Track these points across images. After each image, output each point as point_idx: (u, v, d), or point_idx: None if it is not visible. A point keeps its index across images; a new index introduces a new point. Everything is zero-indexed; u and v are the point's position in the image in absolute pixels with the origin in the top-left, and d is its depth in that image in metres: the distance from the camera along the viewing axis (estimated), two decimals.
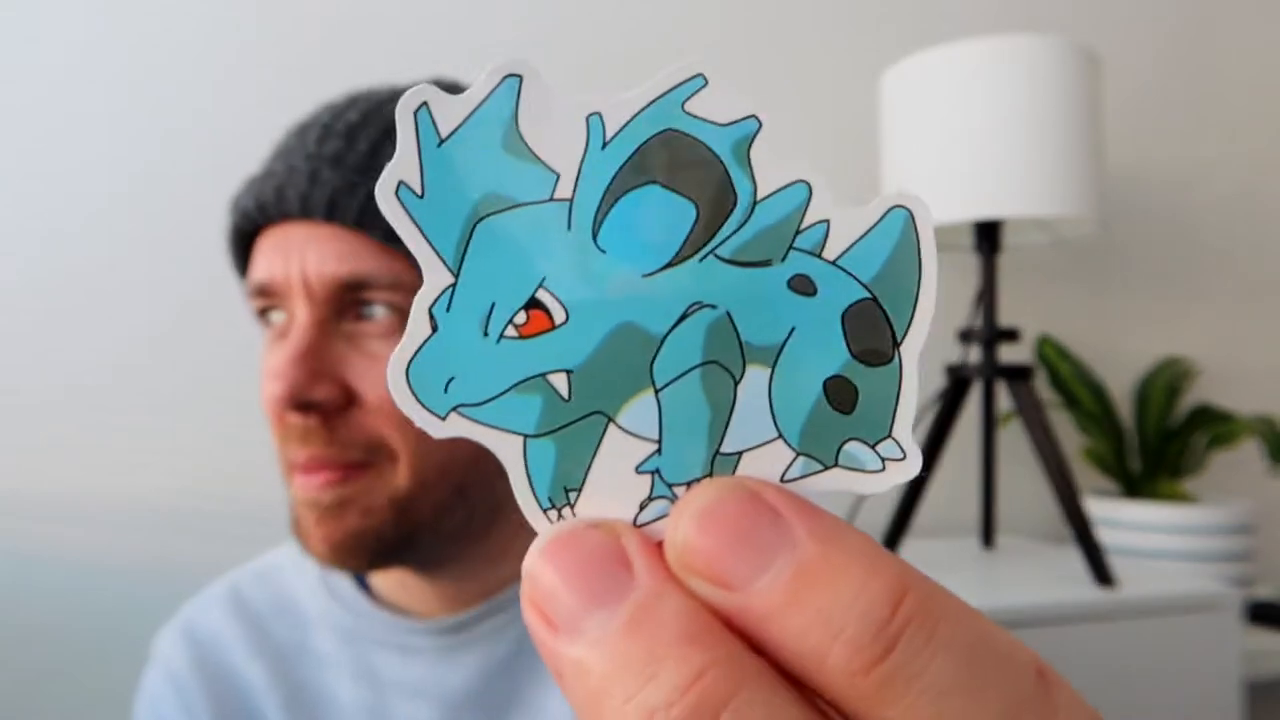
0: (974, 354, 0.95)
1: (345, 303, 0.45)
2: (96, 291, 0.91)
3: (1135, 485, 1.12)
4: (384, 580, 0.53)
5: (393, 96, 0.50)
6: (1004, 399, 1.07)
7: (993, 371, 0.91)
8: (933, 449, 0.91)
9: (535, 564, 0.14)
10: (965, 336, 0.94)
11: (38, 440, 0.89)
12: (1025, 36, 0.87)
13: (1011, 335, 0.93)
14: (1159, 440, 1.13)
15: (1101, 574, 0.81)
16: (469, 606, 0.52)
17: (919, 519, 0.93)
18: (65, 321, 0.90)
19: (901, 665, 0.12)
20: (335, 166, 0.46)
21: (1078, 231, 0.98)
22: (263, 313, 0.49)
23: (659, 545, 0.14)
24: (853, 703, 0.12)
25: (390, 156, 0.14)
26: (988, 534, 0.99)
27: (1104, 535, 0.96)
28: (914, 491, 0.89)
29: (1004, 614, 0.74)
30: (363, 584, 0.54)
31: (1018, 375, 0.89)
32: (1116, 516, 1.01)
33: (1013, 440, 1.09)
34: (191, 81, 0.93)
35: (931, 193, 0.90)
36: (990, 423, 0.99)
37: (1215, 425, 1.10)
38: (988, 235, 0.93)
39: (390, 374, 0.14)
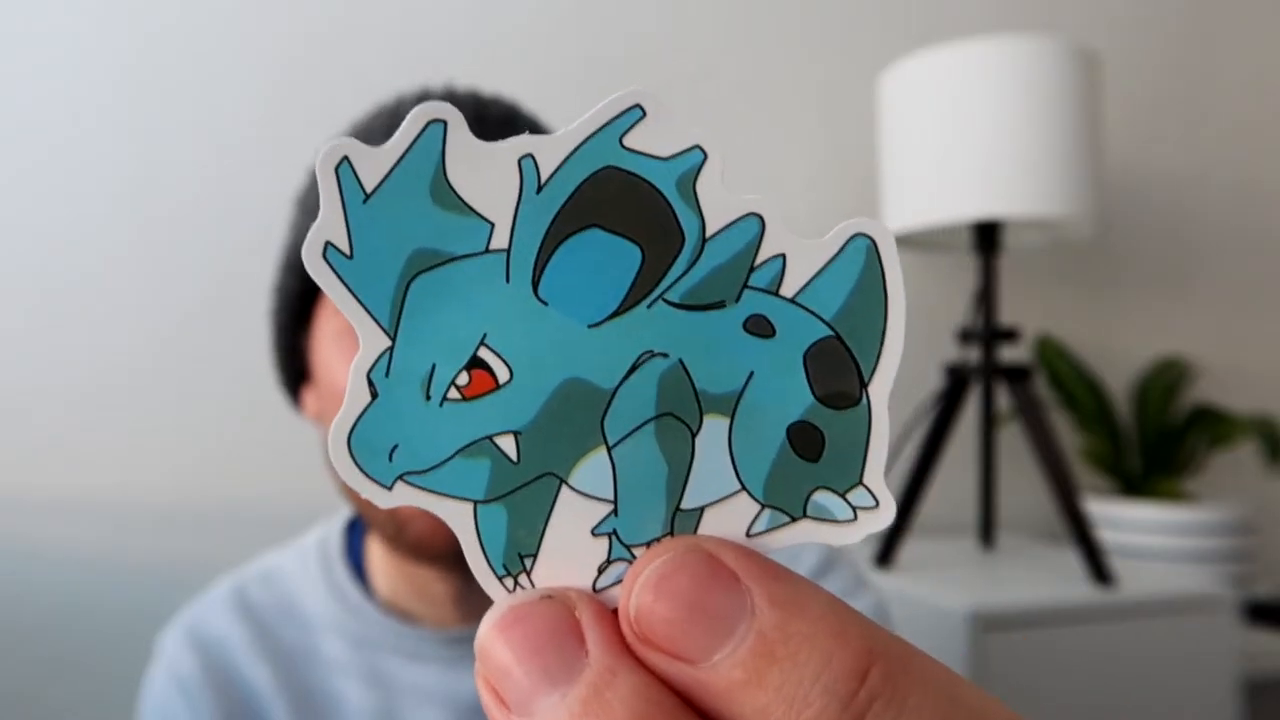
0: (973, 354, 0.95)
1: None
2: (97, 292, 0.91)
3: (1134, 485, 1.12)
4: (390, 586, 0.54)
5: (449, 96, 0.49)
6: (1003, 399, 1.07)
7: (992, 371, 0.91)
8: (932, 449, 0.91)
9: (486, 639, 0.13)
10: (964, 336, 0.94)
11: (38, 440, 0.89)
12: (1025, 36, 0.87)
13: (1011, 335, 0.93)
14: (1158, 440, 1.13)
15: (1100, 573, 0.81)
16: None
17: (918, 519, 0.93)
18: (66, 322, 0.90)
19: None
20: None
21: (1077, 232, 0.98)
22: None
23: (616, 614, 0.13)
24: None
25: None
26: (987, 533, 0.99)
27: (1103, 535, 0.96)
28: (913, 492, 0.90)
29: (1003, 613, 0.74)
30: (368, 590, 0.54)
31: (1017, 375, 0.89)
32: (1115, 516, 1.01)
33: (1012, 440, 1.09)
34: (193, 82, 0.93)
35: (931, 193, 0.90)
36: (989, 422, 0.99)
37: (1214, 425, 1.10)
38: (987, 235, 0.93)
39: (331, 445, 0.14)
